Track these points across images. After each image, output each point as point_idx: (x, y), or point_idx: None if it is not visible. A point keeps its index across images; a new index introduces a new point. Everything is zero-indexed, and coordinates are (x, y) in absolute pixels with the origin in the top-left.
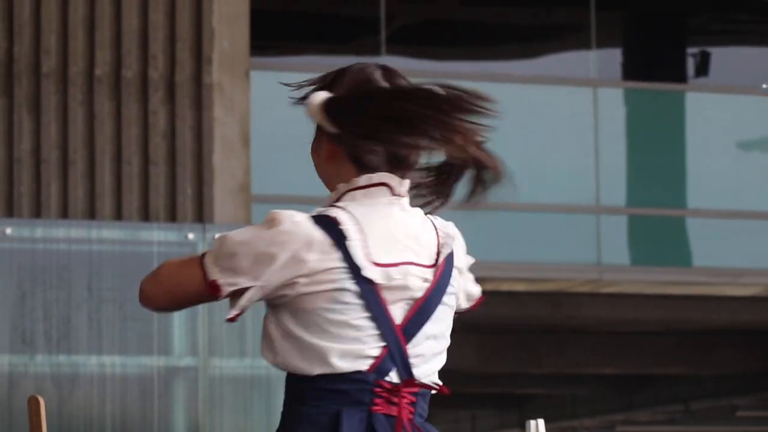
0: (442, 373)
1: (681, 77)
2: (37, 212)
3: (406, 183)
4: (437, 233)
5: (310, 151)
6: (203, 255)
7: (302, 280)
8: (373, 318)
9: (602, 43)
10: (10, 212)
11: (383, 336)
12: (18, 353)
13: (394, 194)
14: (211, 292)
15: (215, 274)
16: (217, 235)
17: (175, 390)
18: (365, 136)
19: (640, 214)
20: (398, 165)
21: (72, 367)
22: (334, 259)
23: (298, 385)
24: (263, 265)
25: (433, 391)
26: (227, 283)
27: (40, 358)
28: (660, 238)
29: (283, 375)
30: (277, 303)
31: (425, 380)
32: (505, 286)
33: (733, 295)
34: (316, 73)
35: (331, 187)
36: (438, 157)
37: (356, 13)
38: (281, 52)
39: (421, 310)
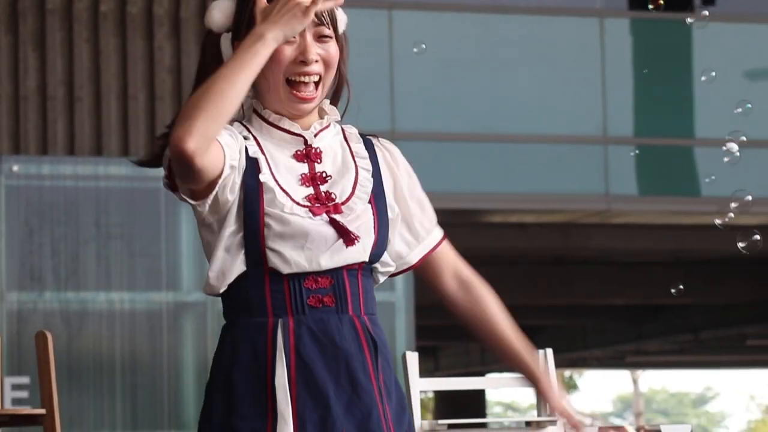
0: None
1: (687, 6)
2: (44, 149)
3: None
4: None
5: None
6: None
7: None
8: None
9: None
10: (17, 149)
11: None
12: (26, 290)
13: None
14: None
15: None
16: None
17: (184, 325)
18: None
19: (647, 144)
20: None
21: (80, 304)
22: None
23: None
24: None
25: None
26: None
27: (48, 294)
28: (668, 167)
29: None
30: None
31: None
32: (513, 218)
33: (743, 224)
34: None
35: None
36: None
37: None
38: None
39: None
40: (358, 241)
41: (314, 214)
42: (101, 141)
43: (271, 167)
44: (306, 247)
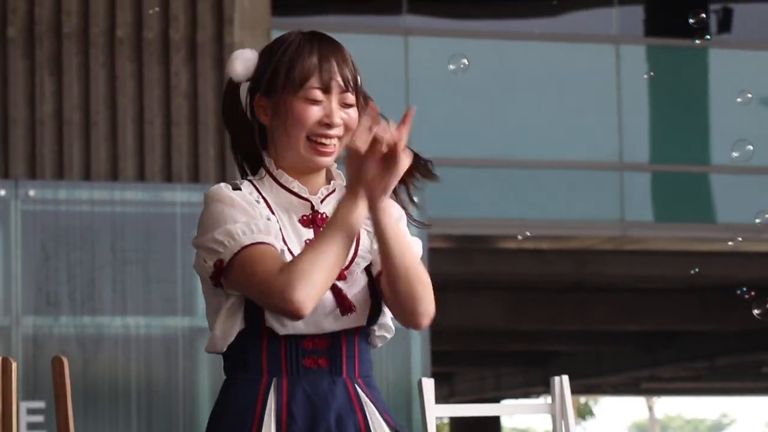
0: (469, 331)
1: (703, 33)
2: (60, 174)
3: None
4: None
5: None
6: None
7: None
8: None
9: (624, 0)
10: (33, 174)
11: None
12: (42, 315)
13: None
14: None
15: None
16: None
17: (200, 350)
18: None
19: (663, 171)
20: None
21: (96, 329)
22: None
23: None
24: None
25: None
26: None
27: (64, 319)
28: (683, 194)
29: None
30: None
31: None
32: (529, 244)
33: (757, 251)
34: (336, 32)
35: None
36: None
37: None
38: (302, 11)
39: None
40: (354, 310)
41: None
42: (117, 166)
43: (282, 232)
44: None
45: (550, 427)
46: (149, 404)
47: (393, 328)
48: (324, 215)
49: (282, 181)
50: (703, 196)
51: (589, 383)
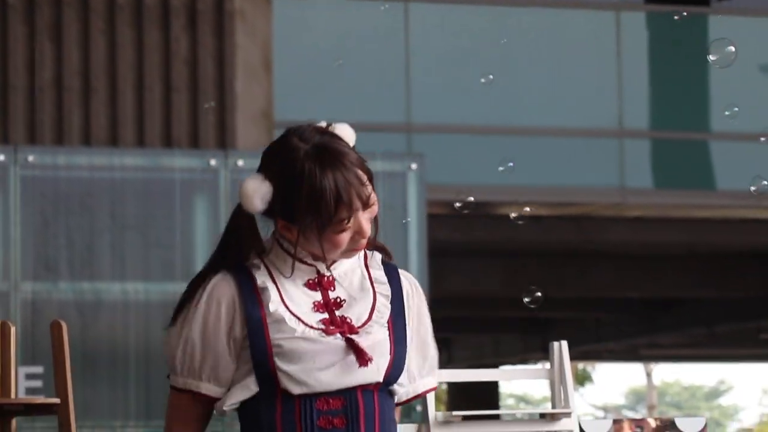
0: (467, 298)
1: (704, 0)
2: (59, 140)
3: None
4: None
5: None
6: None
7: None
8: None
9: None
10: (33, 140)
11: None
12: (41, 280)
13: None
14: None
15: None
16: None
17: None
18: None
19: (663, 138)
20: None
21: (95, 294)
22: None
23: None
24: None
25: None
26: None
27: (63, 285)
28: (683, 161)
29: None
30: None
31: None
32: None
33: (757, 217)
34: (338, 4)
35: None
36: None
37: None
38: None
39: None
40: (371, 362)
41: (328, 335)
42: (116, 132)
43: (282, 295)
44: (316, 368)
45: (547, 393)
46: (147, 369)
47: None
48: (330, 278)
49: (291, 250)
50: (702, 163)
51: (587, 349)
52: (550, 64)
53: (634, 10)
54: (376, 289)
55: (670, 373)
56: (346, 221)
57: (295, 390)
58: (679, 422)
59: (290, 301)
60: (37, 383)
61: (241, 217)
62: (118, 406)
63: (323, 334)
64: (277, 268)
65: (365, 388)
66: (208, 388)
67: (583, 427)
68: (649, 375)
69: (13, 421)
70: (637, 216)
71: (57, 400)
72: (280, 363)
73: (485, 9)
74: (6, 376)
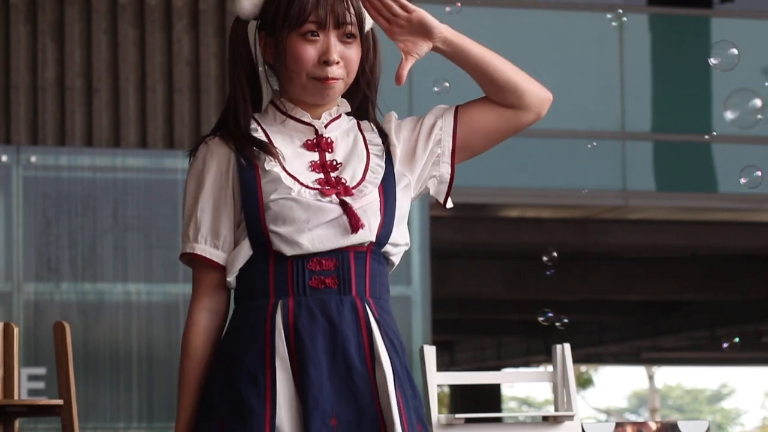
0: (469, 300)
1: (707, 2)
2: (62, 140)
3: None
4: None
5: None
6: None
7: None
8: None
9: None
10: (35, 140)
11: None
12: (43, 281)
13: None
14: None
15: None
16: None
17: None
18: None
19: (665, 140)
20: None
21: (97, 295)
22: None
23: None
24: None
25: None
26: None
27: (65, 286)
28: (685, 163)
29: None
30: None
31: None
32: (531, 213)
33: (759, 221)
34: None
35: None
36: None
37: None
38: None
39: None
40: (363, 227)
41: (324, 196)
42: (119, 132)
43: (279, 156)
44: (309, 229)
45: (550, 396)
46: (150, 370)
47: (408, 241)
48: (329, 139)
49: (284, 109)
50: (705, 166)
51: (589, 352)
52: (552, 66)
53: (636, 11)
54: (369, 150)
55: (673, 377)
56: (312, 30)
57: (288, 251)
58: (682, 425)
59: (286, 161)
60: (40, 384)
61: (234, 28)
62: (120, 407)
63: (318, 195)
64: (274, 129)
65: (358, 250)
66: (203, 249)
67: (586, 430)
68: (651, 378)
69: (16, 423)
70: (639, 219)
71: (60, 402)
72: (272, 224)
73: (486, 10)
74: (9, 378)
